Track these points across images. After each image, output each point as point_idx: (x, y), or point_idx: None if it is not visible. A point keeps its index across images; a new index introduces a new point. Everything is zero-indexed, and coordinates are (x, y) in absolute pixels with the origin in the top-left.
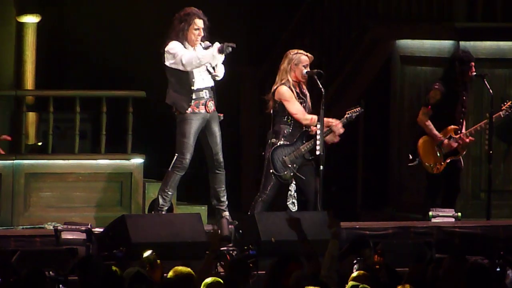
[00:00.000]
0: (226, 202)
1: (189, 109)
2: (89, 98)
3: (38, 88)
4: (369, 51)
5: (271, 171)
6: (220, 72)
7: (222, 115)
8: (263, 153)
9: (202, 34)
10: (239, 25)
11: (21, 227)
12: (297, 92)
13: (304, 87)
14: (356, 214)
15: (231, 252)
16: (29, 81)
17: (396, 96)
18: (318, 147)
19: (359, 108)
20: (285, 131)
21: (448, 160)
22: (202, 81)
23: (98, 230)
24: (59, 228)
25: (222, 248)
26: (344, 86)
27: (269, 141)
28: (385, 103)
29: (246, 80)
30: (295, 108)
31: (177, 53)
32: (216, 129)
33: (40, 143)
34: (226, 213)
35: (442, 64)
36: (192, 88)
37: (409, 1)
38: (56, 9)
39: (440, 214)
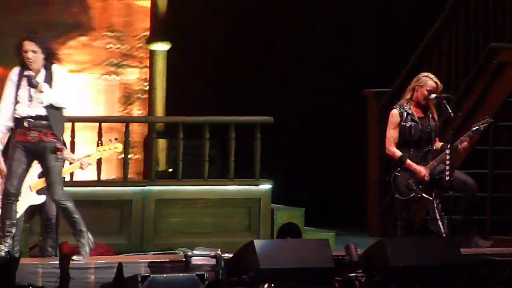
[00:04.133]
0: (84, 234)
1: (14, 136)
2: (218, 124)
3: (168, 115)
4: (497, 75)
5: (396, 195)
6: (46, 100)
7: (62, 147)
8: (387, 179)
9: (30, 58)
10: (365, 49)
11: (151, 252)
12: (410, 114)
13: (431, 110)
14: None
15: (360, 278)
16: (159, 108)
17: None
18: (447, 172)
19: (487, 119)
20: (408, 153)
21: None
22: (22, 109)
23: (227, 255)
24: (189, 253)
25: (351, 274)
26: (473, 110)
27: (393, 165)
28: None
29: (372, 104)
30: (388, 133)
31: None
32: (47, 161)
33: (170, 169)
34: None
35: None
36: (15, 115)
37: None
38: (185, 36)
39: None
